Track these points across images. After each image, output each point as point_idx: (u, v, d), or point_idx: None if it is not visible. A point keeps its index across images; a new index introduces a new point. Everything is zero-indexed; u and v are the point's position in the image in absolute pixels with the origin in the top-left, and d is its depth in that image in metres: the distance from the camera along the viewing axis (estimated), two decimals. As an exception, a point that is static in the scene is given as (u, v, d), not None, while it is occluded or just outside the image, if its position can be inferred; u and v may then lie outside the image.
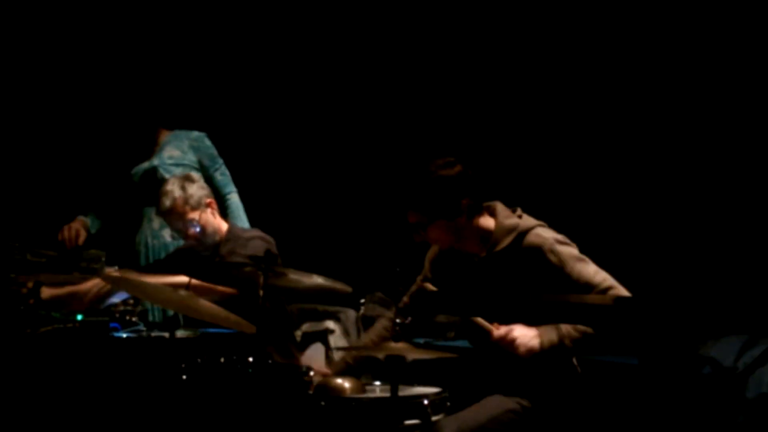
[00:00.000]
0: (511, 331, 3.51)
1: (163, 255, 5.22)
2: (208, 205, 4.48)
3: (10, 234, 4.72)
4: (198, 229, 4.43)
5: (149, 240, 5.28)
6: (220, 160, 5.28)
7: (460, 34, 5.81)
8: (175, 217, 4.44)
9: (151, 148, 5.31)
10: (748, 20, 4.89)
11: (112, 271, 4.52)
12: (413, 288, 4.01)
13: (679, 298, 4.20)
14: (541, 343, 3.49)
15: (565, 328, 3.50)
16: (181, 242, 5.17)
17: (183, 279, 4.23)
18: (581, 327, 3.50)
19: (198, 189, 4.48)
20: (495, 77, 5.71)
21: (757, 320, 3.83)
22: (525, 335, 3.50)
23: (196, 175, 4.68)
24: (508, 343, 3.50)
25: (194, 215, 4.43)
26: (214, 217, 4.52)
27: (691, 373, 3.70)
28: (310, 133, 6.19)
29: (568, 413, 3.60)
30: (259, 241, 4.46)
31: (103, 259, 4.51)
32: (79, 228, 5.17)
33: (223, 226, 4.56)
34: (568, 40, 5.47)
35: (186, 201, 4.42)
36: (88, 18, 6.05)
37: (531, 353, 3.49)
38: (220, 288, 4.28)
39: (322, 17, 6.09)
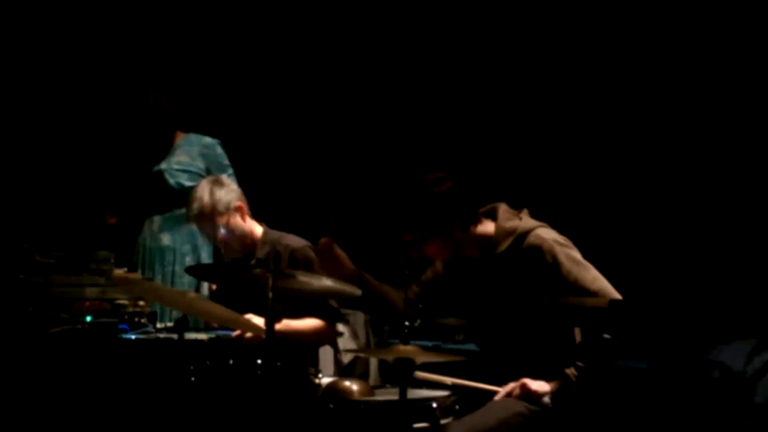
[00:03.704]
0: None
1: (158, 258, 5.23)
2: (237, 209, 4.46)
3: (20, 234, 4.73)
4: (226, 234, 4.42)
5: (148, 242, 5.29)
6: (230, 170, 5.25)
7: (460, 36, 5.81)
8: (204, 222, 4.43)
9: (167, 150, 5.31)
10: (748, 20, 4.88)
11: (121, 273, 4.53)
12: (424, 277, 3.99)
13: (688, 302, 4.19)
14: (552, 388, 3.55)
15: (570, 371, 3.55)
16: (178, 245, 5.23)
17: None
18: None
19: (226, 193, 4.45)
20: (499, 79, 5.71)
21: (766, 325, 3.83)
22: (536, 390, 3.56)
23: (226, 178, 4.65)
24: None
25: (222, 220, 4.41)
26: (244, 221, 4.48)
27: (699, 377, 3.69)
28: (317, 137, 6.20)
29: (576, 416, 3.60)
30: (297, 237, 4.49)
31: (112, 260, 4.52)
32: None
33: (257, 229, 4.53)
34: (571, 42, 5.47)
35: (213, 206, 4.40)
36: (101, 15, 6.07)
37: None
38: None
39: (320, 34, 6.11)
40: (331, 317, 4.40)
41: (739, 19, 4.91)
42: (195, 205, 4.42)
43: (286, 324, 4.15)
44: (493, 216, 3.74)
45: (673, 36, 5.10)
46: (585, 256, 3.66)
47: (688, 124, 5.07)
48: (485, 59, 5.77)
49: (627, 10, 5.24)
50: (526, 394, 3.55)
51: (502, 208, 3.75)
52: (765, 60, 4.83)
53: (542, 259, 3.56)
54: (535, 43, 5.60)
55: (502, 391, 3.60)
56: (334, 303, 4.42)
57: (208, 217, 4.40)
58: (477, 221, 3.69)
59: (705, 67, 5.00)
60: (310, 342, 4.38)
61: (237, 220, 4.44)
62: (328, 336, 4.45)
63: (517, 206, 3.80)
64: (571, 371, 3.53)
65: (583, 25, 5.42)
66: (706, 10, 4.98)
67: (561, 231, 3.72)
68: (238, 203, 4.46)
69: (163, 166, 5.26)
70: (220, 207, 4.40)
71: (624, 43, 5.26)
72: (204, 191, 4.43)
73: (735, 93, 4.91)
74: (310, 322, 4.35)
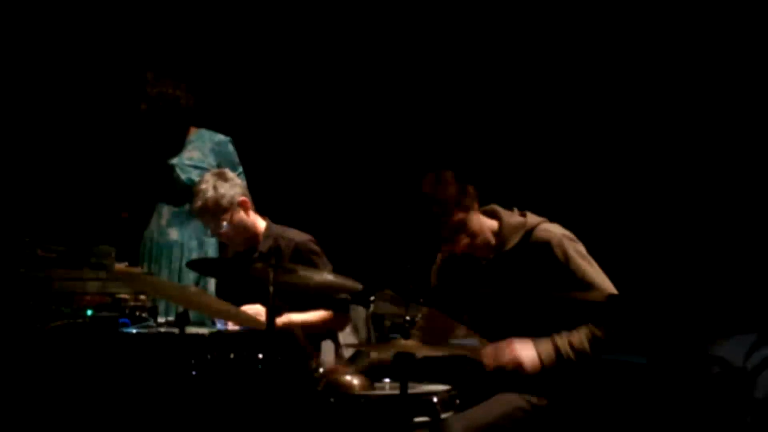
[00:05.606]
0: (508, 354, 3.52)
1: (165, 253, 5.24)
2: (241, 204, 4.46)
3: (21, 229, 4.74)
4: (230, 228, 4.43)
5: (155, 236, 5.29)
6: (240, 168, 5.23)
7: (461, 38, 5.82)
8: (207, 216, 4.43)
9: (180, 144, 5.30)
10: (748, 20, 4.89)
11: (122, 267, 4.53)
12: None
13: (688, 297, 4.20)
14: (541, 359, 3.51)
15: (561, 342, 3.52)
16: (186, 240, 5.25)
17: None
18: (576, 341, 3.51)
19: (230, 188, 4.45)
20: (499, 80, 5.72)
21: (766, 320, 3.84)
22: (523, 355, 3.51)
23: (230, 172, 4.65)
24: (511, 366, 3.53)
25: (226, 214, 4.42)
26: (248, 215, 4.48)
27: (699, 372, 3.70)
28: (320, 132, 6.20)
29: (577, 411, 3.60)
30: (300, 231, 4.50)
31: (113, 254, 4.52)
32: None
33: (260, 223, 4.53)
34: (569, 42, 5.47)
35: (217, 201, 4.40)
36: (114, 7, 6.08)
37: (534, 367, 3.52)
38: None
39: (328, 36, 6.14)
40: (339, 307, 4.41)
41: (739, 19, 4.91)
42: (199, 199, 4.42)
43: (296, 317, 4.18)
44: (491, 215, 3.73)
45: (673, 36, 5.10)
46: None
47: (687, 123, 5.08)
48: (486, 60, 5.77)
49: (627, 10, 5.24)
50: (516, 367, 3.52)
51: (499, 208, 3.74)
52: (765, 60, 4.83)
53: (551, 253, 3.55)
54: (537, 45, 5.60)
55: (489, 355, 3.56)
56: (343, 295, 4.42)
57: (212, 211, 4.40)
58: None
59: (705, 67, 5.00)
60: (322, 331, 4.40)
61: (240, 215, 4.44)
62: (340, 324, 4.47)
63: (509, 205, 3.78)
64: (562, 342, 3.50)
65: (583, 26, 5.43)
66: (706, 10, 4.98)
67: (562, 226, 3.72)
68: (242, 198, 4.46)
69: (175, 160, 5.25)
70: (224, 201, 4.40)
71: (624, 44, 5.26)
72: (208, 185, 4.43)
73: (735, 93, 4.91)
74: (319, 313, 4.37)
